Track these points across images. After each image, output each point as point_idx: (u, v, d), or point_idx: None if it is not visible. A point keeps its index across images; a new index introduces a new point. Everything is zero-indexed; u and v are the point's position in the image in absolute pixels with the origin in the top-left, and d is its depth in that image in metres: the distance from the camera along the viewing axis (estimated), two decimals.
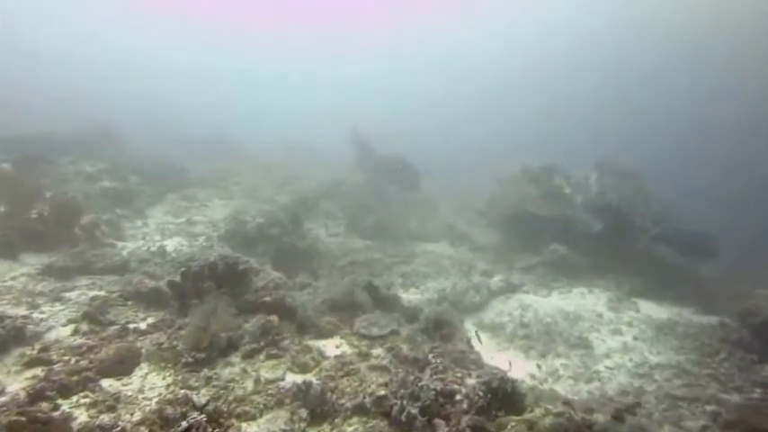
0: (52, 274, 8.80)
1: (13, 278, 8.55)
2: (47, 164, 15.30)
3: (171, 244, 12.45)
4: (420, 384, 5.47)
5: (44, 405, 4.81)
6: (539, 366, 10.06)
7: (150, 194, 17.14)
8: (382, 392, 5.46)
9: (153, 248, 11.62)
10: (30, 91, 38.68)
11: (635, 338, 11.09)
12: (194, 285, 7.18)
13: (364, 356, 7.29)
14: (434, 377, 5.93)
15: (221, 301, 6.60)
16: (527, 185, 18.78)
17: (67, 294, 7.92)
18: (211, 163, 25.48)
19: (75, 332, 6.57)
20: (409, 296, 13.31)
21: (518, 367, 10.13)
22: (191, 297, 7.20)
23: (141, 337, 6.63)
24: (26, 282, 8.44)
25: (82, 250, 10.24)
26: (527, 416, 4.71)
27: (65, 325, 6.78)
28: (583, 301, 13.21)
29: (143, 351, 6.11)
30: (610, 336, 11.25)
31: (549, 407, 4.74)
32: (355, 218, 20.05)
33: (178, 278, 7.41)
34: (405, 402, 5.14)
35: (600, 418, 4.82)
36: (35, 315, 7.00)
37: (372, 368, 6.80)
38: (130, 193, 16.07)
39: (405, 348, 7.72)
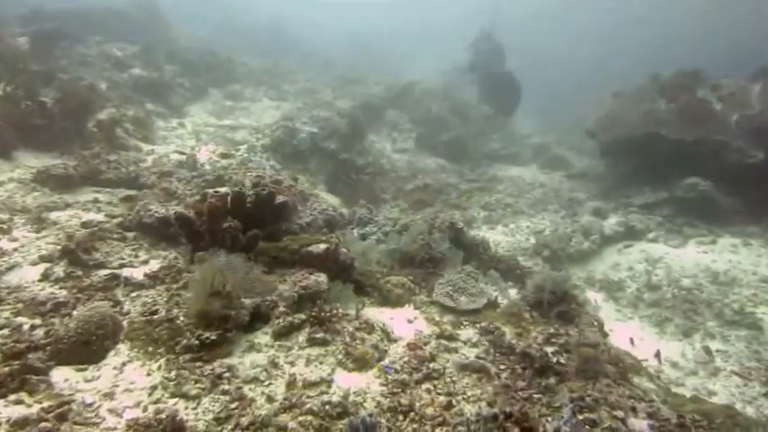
0: (48, 183, 7.15)
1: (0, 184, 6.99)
2: (70, 43, 13.50)
3: (205, 153, 10.57)
4: None
5: None
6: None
7: (189, 88, 15.23)
8: None
9: (182, 157, 9.78)
10: None
11: None
12: (211, 224, 5.15)
13: (449, 340, 5.20)
14: (579, 417, 3.70)
15: (236, 259, 4.54)
16: (656, 100, 14.95)
17: (55, 215, 6.23)
18: (265, 57, 23.06)
19: (45, 276, 4.85)
20: (495, 237, 10.95)
21: (650, 349, 7.77)
22: (206, 240, 5.22)
23: (133, 294, 4.81)
24: (14, 190, 6.86)
25: (95, 153, 8.56)
26: None
27: (35, 263, 5.08)
28: (736, 258, 10.22)
29: (125, 323, 4.26)
30: None
31: None
32: (427, 131, 17.35)
33: (190, 210, 5.42)
34: None
35: None
36: (1, 243, 5.35)
37: (464, 369, 4.68)
38: (166, 85, 14.20)
39: (508, 332, 5.53)
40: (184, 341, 4.15)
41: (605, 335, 6.00)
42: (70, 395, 3.52)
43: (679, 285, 9.39)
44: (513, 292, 6.94)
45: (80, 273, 4.99)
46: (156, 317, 4.36)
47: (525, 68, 19.95)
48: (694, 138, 13.45)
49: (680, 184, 12.92)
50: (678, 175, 13.26)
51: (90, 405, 3.46)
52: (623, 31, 51.69)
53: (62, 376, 3.69)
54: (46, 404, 3.36)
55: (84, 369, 3.80)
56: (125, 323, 4.26)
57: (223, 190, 6.38)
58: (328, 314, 4.85)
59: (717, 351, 7.64)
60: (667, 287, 9.40)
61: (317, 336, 4.62)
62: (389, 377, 4.35)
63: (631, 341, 6.72)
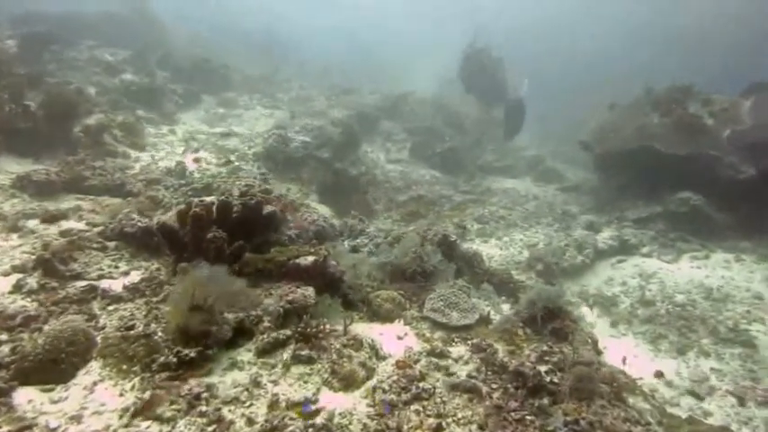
0: (28, 189, 6.92)
1: None
2: (61, 46, 13.29)
3: (194, 159, 10.37)
4: None
5: None
6: None
7: (182, 95, 15.05)
8: None
9: (170, 164, 9.58)
10: None
11: None
12: (195, 234, 4.95)
13: (440, 358, 5.00)
14: None
15: (220, 271, 4.33)
16: (650, 114, 14.95)
17: (32, 223, 5.99)
18: (260, 63, 22.92)
19: (17, 288, 4.61)
20: (489, 250, 10.79)
21: (644, 366, 7.61)
22: (190, 251, 5.01)
23: (111, 307, 4.58)
24: None
25: (80, 159, 8.35)
26: None
27: (6, 274, 4.84)
28: (729, 273, 10.14)
29: (99, 339, 4.04)
30: None
31: None
32: (421, 142, 17.28)
33: (173, 219, 5.21)
34: None
35: None
36: None
37: (454, 389, 4.49)
38: (158, 91, 14.00)
39: (500, 350, 5.34)
40: (161, 358, 3.93)
41: (599, 352, 5.83)
42: (33, 418, 3.28)
43: (673, 301, 9.26)
44: (506, 307, 6.79)
45: (55, 284, 4.76)
46: (132, 332, 4.14)
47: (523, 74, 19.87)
48: (687, 152, 13.43)
49: (672, 198, 12.87)
50: (671, 189, 13.22)
51: (54, 429, 3.23)
52: (624, 34, 51.76)
53: (26, 397, 3.45)
54: (5, 429, 3.13)
55: (51, 389, 3.56)
56: (99, 339, 4.03)
57: (209, 199, 6.18)
58: (315, 330, 4.64)
59: (712, 369, 7.50)
60: (661, 303, 9.27)
61: (303, 353, 4.40)
62: (377, 398, 4.15)
63: (624, 361, 6.54)
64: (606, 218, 13.32)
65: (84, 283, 4.88)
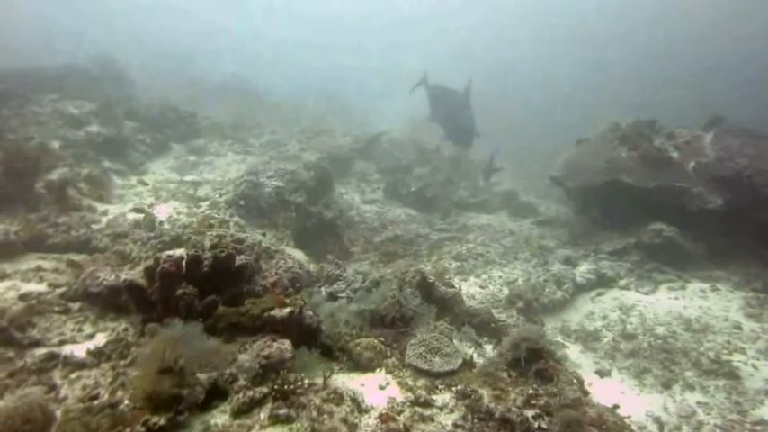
0: None
1: None
2: (21, 102, 13.18)
3: (165, 211, 10.22)
4: None
5: None
6: None
7: (150, 144, 14.97)
8: None
9: (139, 216, 9.41)
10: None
11: None
12: (164, 291, 4.82)
13: (424, 407, 4.90)
14: None
15: (194, 329, 4.20)
16: (618, 147, 15.54)
17: None
18: (229, 110, 23.05)
19: None
20: (468, 288, 10.80)
21: (630, 402, 7.59)
22: (160, 309, 4.86)
23: (73, 375, 4.37)
24: None
25: (42, 216, 8.15)
26: None
27: None
28: (706, 303, 10.34)
29: (58, 413, 3.83)
30: (763, 359, 8.42)
31: None
32: (396, 181, 17.50)
33: (141, 276, 5.09)
34: None
35: None
36: None
37: None
38: (125, 142, 13.91)
39: (485, 395, 5.27)
40: (128, 430, 3.73)
41: (586, 392, 5.80)
42: None
43: (654, 334, 9.35)
44: (488, 348, 6.75)
45: (11, 354, 4.53)
46: (96, 402, 3.94)
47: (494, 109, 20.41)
48: (655, 185, 13.92)
49: (646, 229, 13.23)
50: (644, 220, 13.60)
51: None
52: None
53: None
54: None
55: None
56: (58, 413, 3.82)
57: (178, 252, 6.07)
58: (293, 386, 4.50)
59: (698, 403, 7.52)
60: (643, 336, 9.34)
61: (281, 412, 4.25)
62: None
63: (615, 408, 6.51)
64: (582, 251, 13.55)
65: (44, 350, 4.66)
